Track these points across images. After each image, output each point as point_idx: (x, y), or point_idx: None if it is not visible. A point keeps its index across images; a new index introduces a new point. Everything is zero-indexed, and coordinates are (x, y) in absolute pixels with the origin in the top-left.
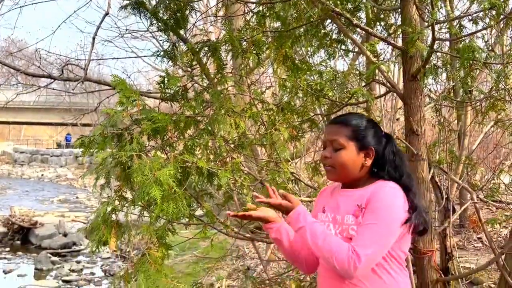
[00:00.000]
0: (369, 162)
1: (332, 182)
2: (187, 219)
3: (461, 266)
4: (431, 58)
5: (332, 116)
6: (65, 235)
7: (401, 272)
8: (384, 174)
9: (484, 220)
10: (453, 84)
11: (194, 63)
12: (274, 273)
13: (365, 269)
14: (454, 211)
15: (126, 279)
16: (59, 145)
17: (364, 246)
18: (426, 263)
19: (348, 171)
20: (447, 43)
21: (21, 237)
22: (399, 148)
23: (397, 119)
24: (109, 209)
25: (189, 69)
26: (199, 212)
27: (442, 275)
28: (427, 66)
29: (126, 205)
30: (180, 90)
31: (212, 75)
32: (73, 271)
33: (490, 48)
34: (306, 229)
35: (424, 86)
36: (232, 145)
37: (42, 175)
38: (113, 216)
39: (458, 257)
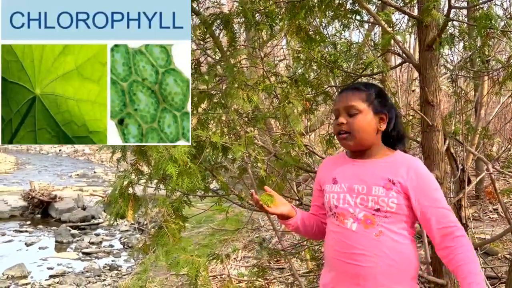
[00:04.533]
0: (383, 127)
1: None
2: (202, 192)
3: (477, 237)
4: (447, 27)
5: None
6: (84, 208)
7: (412, 239)
8: (399, 145)
9: (500, 190)
10: (470, 53)
11: (207, 36)
12: (289, 244)
13: None
14: (469, 182)
15: (144, 251)
16: None
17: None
18: None
19: (365, 135)
20: (465, 11)
21: (41, 211)
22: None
23: (413, 91)
24: (125, 182)
25: (202, 43)
26: (214, 185)
27: None
28: (443, 36)
29: (143, 179)
30: (193, 64)
31: (225, 48)
32: (92, 243)
33: (509, 15)
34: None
35: (440, 56)
36: (245, 119)
37: (60, 150)
38: (130, 189)
39: (474, 228)
